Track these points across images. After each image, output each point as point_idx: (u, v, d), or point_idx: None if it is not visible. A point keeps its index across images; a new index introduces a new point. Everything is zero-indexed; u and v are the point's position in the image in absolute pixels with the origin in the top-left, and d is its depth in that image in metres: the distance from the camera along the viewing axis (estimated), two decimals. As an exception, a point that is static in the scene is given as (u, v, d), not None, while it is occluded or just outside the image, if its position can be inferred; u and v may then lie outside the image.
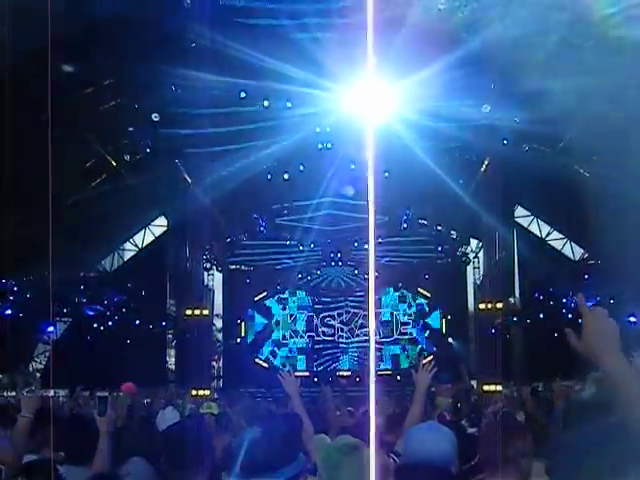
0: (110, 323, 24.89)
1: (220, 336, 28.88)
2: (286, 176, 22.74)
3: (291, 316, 28.34)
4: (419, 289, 28.10)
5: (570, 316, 23.26)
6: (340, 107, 19.18)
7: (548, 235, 26.68)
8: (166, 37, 17.13)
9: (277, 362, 27.70)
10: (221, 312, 28.74)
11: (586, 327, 2.00)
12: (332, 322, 28.17)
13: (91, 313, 24.53)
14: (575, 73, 16.26)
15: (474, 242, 27.99)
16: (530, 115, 19.21)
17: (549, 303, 24.54)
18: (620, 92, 15.57)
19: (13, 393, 16.39)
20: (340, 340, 28.09)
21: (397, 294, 28.10)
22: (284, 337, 28.25)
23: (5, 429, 4.48)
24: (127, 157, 22.21)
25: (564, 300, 23.81)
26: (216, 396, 21.11)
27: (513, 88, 18.51)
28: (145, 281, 25.24)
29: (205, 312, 25.13)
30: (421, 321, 28.17)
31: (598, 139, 17.76)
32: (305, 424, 4.23)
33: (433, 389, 8.83)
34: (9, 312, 21.76)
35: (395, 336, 27.97)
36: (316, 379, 25.43)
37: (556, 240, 26.53)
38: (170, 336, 27.60)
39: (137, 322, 25.36)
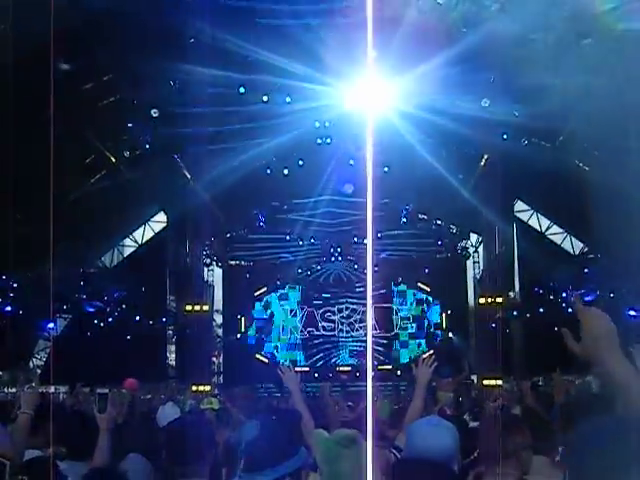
0: (110, 319, 24.88)
1: (220, 332, 28.90)
2: (286, 171, 22.73)
3: (291, 311, 28.36)
4: (419, 284, 28.11)
5: (570, 310, 23.27)
6: (340, 102, 19.18)
7: (548, 229, 26.66)
8: (165, 32, 17.09)
9: (277, 357, 27.73)
10: (221, 308, 28.75)
11: (583, 328, 1.98)
12: (332, 317, 28.18)
13: (91, 309, 24.51)
14: (574, 68, 16.26)
15: (474, 236, 28.00)
16: (530, 109, 19.19)
17: (549, 297, 24.53)
18: (620, 86, 15.55)
19: (13, 390, 16.42)
20: (340, 335, 28.12)
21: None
22: (284, 332, 28.27)
23: (5, 426, 4.47)
24: (126, 153, 22.18)
25: (564, 294, 23.80)
26: (216, 392, 21.13)
27: (512, 83, 18.50)
28: (145, 277, 25.22)
29: (205, 308, 25.16)
30: (421, 316, 28.18)
31: (598, 133, 17.75)
32: (305, 419, 4.23)
33: (434, 384, 8.84)
34: (9, 309, 21.76)
35: (395, 331, 27.99)
36: (316, 374, 25.47)
37: (556, 234, 26.51)
38: (170, 332, 27.60)
39: (137, 318, 25.35)
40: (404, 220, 25.87)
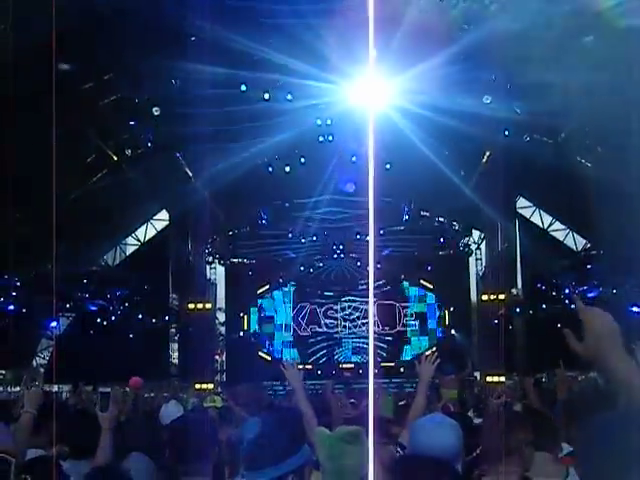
0: (113, 318, 24.91)
1: (223, 330, 28.92)
2: (287, 169, 22.73)
3: (294, 309, 28.36)
4: (421, 281, 28.10)
5: (573, 307, 23.24)
6: (341, 100, 19.17)
7: (550, 226, 26.64)
8: (166, 30, 17.08)
9: (280, 355, 27.74)
10: (224, 305, 28.77)
11: (585, 328, 1.97)
12: (335, 314, 28.20)
13: (94, 308, 24.54)
14: (576, 64, 16.23)
15: (476, 233, 27.99)
16: (531, 106, 19.17)
17: (551, 294, 24.52)
18: (622, 83, 15.52)
19: (17, 389, 16.44)
20: (342, 332, 28.12)
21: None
22: (287, 329, 28.28)
23: (8, 425, 4.47)
24: (128, 152, 22.19)
25: (566, 291, 23.79)
26: (219, 389, 21.15)
27: (514, 80, 18.48)
28: (147, 275, 25.25)
29: (208, 306, 25.19)
30: (424, 313, 28.18)
31: (600, 130, 17.73)
32: (308, 416, 4.22)
33: (437, 381, 8.84)
34: (12, 308, 21.78)
35: (398, 328, 27.99)
36: (319, 372, 25.47)
37: (558, 231, 26.50)
38: (173, 330, 27.63)
39: (140, 316, 25.39)
40: (406, 217, 25.86)
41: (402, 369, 25.61)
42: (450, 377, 8.78)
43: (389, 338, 27.66)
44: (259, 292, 28.36)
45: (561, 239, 26.42)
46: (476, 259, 28.24)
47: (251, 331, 28.30)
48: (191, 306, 24.43)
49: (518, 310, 25.68)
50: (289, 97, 19.65)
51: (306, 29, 17.58)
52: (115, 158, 22.13)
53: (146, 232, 27.97)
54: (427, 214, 26.22)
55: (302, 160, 22.43)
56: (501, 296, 23.94)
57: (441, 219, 26.55)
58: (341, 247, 27.08)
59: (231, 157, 21.23)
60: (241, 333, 28.17)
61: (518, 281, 26.70)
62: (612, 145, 17.62)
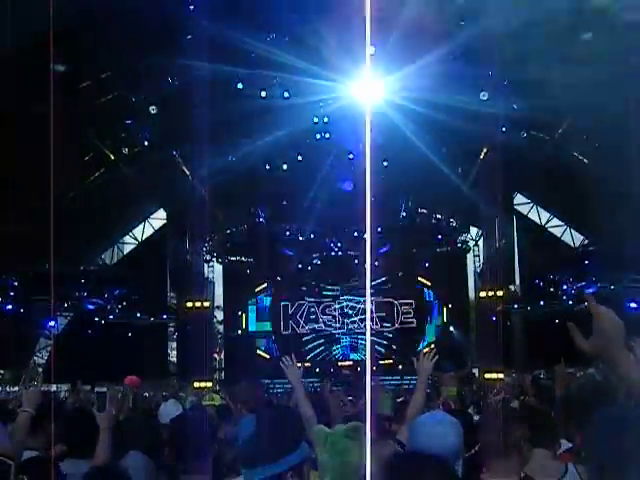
0: (111, 317, 24.91)
1: (221, 328, 28.92)
2: (285, 166, 22.72)
3: (292, 306, 28.34)
4: (419, 278, 28.10)
5: (570, 302, 23.29)
6: (338, 97, 19.15)
7: (548, 222, 26.67)
8: (163, 28, 17.07)
9: (278, 353, 27.72)
10: (222, 304, 28.77)
11: (596, 327, 1.96)
12: (333, 312, 28.20)
13: (92, 307, 24.53)
14: (573, 60, 16.23)
15: (474, 230, 28.00)
16: (528, 102, 19.18)
17: (549, 290, 24.55)
18: (619, 79, 15.54)
19: (15, 388, 16.42)
20: (341, 330, 28.13)
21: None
22: (285, 327, 28.27)
23: (6, 425, 4.47)
24: (125, 150, 22.17)
25: (564, 287, 23.82)
26: (218, 388, 21.14)
27: (511, 75, 18.48)
28: (145, 274, 25.24)
29: (206, 304, 25.17)
30: (422, 310, 28.18)
31: (597, 126, 17.74)
32: (308, 414, 4.22)
33: (436, 378, 8.86)
34: (10, 307, 21.78)
35: (396, 325, 27.99)
36: (317, 369, 25.48)
37: (556, 227, 26.52)
38: (171, 329, 27.63)
39: (138, 315, 25.38)
40: (404, 214, 25.87)
41: (401, 366, 25.63)
42: (449, 374, 8.80)
43: (390, 335, 27.69)
44: (257, 290, 28.35)
45: (559, 235, 26.45)
46: (474, 256, 28.26)
47: (249, 329, 28.30)
48: (189, 304, 24.41)
49: (516, 306, 25.71)
50: (286, 95, 19.64)
51: (303, 26, 17.59)
52: (112, 157, 22.11)
53: (144, 231, 27.97)
54: (424, 211, 26.23)
55: (299, 158, 22.42)
56: (499, 292, 23.95)
57: (439, 216, 26.54)
58: (339, 245, 27.08)
59: (228, 155, 21.23)
60: (239, 331, 28.16)
61: (516, 278, 26.73)
62: (610, 141, 17.63)
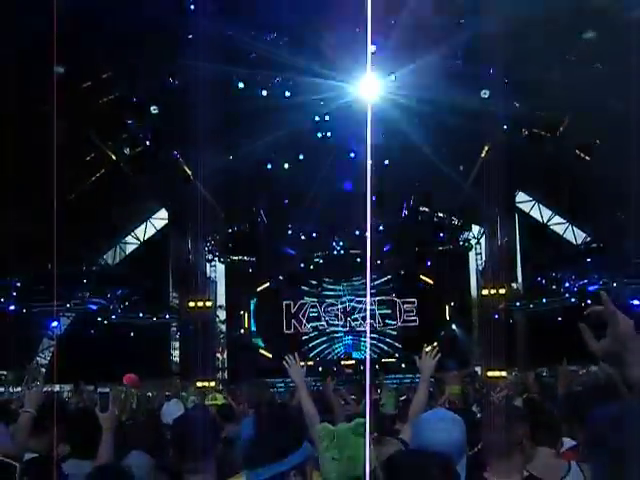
0: (113, 317, 24.93)
1: (223, 327, 28.91)
2: (286, 165, 22.72)
3: (294, 305, 28.33)
4: (421, 276, 28.06)
5: (573, 300, 23.28)
6: (339, 96, 19.16)
7: (550, 220, 26.66)
8: (163, 28, 17.07)
9: (281, 352, 27.68)
10: (224, 303, 28.76)
11: (613, 331, 1.94)
12: (335, 310, 28.20)
13: (94, 307, 24.55)
14: (574, 59, 16.23)
15: (476, 228, 27.99)
16: (530, 100, 19.17)
17: (552, 287, 24.54)
18: (620, 77, 15.52)
19: (18, 389, 16.45)
20: (343, 328, 28.13)
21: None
22: (287, 326, 28.26)
23: (7, 426, 4.47)
24: (126, 150, 22.18)
25: (567, 284, 23.81)
26: (221, 387, 21.15)
27: (513, 74, 18.47)
28: (147, 274, 25.26)
29: (208, 304, 25.20)
30: (424, 308, 28.14)
31: (598, 123, 17.73)
32: (311, 413, 4.22)
33: (439, 376, 8.84)
34: (13, 308, 21.80)
35: (398, 323, 27.98)
36: (320, 368, 25.47)
37: (558, 225, 26.52)
38: (174, 328, 27.64)
39: (140, 315, 25.40)
40: (405, 213, 25.86)
41: (403, 364, 25.65)
42: (453, 373, 8.79)
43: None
44: (259, 289, 28.34)
45: (561, 233, 26.45)
46: (476, 254, 28.24)
47: (251, 328, 28.28)
48: (191, 304, 24.44)
49: (518, 304, 25.70)
50: (287, 94, 19.64)
51: (303, 26, 17.59)
52: (114, 157, 22.12)
53: (145, 231, 28.00)
54: (426, 209, 26.21)
55: (300, 157, 22.42)
56: (501, 290, 23.96)
57: (440, 214, 26.53)
58: (341, 244, 27.09)
59: (230, 155, 21.23)
60: (242, 330, 28.16)
61: (518, 275, 26.71)
62: (611, 138, 17.62)
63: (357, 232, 25.40)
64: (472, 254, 28.45)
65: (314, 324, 28.22)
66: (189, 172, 22.81)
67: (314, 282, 28.21)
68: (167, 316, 26.95)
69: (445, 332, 27.42)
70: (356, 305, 27.96)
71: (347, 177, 22.15)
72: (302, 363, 4.68)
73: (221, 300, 28.67)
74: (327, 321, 28.22)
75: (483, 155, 22.32)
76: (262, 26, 17.71)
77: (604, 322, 1.96)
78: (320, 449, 3.02)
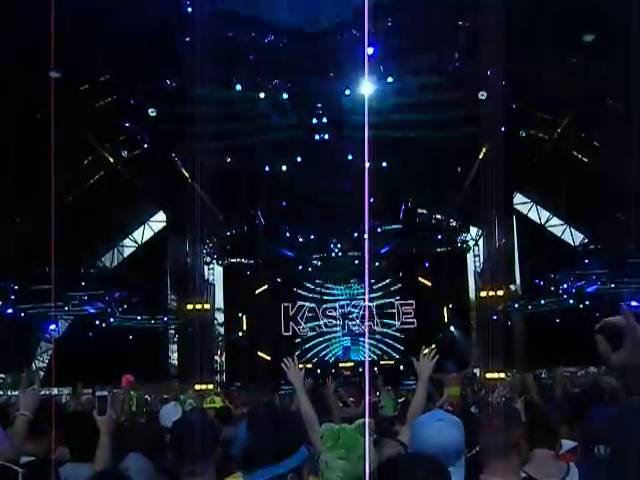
0: (112, 320, 24.90)
1: (222, 330, 28.89)
2: (284, 168, 22.71)
3: (292, 307, 28.32)
4: (419, 278, 28.04)
5: (571, 301, 23.31)
6: (337, 98, 19.18)
7: (547, 221, 26.68)
8: (161, 30, 17.08)
9: (279, 355, 27.65)
10: (222, 306, 28.74)
11: (631, 343, 1.88)
12: (333, 313, 28.19)
13: (92, 310, 24.51)
14: (572, 58, 16.25)
15: (474, 230, 27.99)
16: (528, 101, 19.18)
17: (550, 289, 24.54)
18: (619, 77, 15.55)
19: (16, 392, 16.42)
20: (342, 331, 28.11)
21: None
22: (286, 328, 28.25)
23: (5, 430, 4.46)
24: (124, 153, 22.17)
25: (565, 285, 23.81)
26: (219, 390, 21.14)
27: (510, 75, 18.48)
28: (146, 277, 25.24)
29: (206, 306, 25.14)
30: (422, 310, 28.13)
31: (596, 124, 17.74)
32: (310, 416, 4.21)
33: (438, 378, 8.84)
34: (10, 311, 21.76)
35: (397, 325, 27.97)
36: (319, 370, 25.45)
37: (556, 226, 26.53)
38: (172, 331, 27.61)
39: (138, 318, 25.37)
40: (403, 215, 25.86)
41: (402, 367, 25.62)
42: (452, 375, 8.80)
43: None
44: (257, 292, 28.31)
45: (559, 234, 26.46)
46: (474, 255, 28.24)
47: (250, 331, 28.24)
48: (189, 307, 24.39)
49: (517, 306, 25.70)
50: (285, 96, 19.65)
51: (302, 28, 17.61)
52: (111, 160, 22.11)
53: (143, 233, 27.98)
54: (424, 211, 26.22)
55: (298, 159, 22.42)
56: (499, 292, 23.93)
57: (438, 216, 26.54)
58: (339, 246, 27.08)
59: (227, 157, 21.22)
60: (240, 333, 28.13)
61: (516, 277, 26.72)
62: (609, 139, 17.64)
63: (355, 234, 25.40)
64: (470, 256, 28.46)
65: (312, 325, 28.20)
66: (187, 175, 22.80)
67: (312, 284, 28.19)
68: (165, 319, 26.92)
69: (443, 334, 27.40)
70: (354, 308, 27.94)
71: (345, 179, 22.16)
72: (300, 365, 4.67)
73: (219, 303, 28.65)
74: (325, 323, 28.20)
75: (481, 156, 22.31)
76: (261, 27, 17.72)
77: (618, 333, 1.92)
78: (323, 449, 3.01)
